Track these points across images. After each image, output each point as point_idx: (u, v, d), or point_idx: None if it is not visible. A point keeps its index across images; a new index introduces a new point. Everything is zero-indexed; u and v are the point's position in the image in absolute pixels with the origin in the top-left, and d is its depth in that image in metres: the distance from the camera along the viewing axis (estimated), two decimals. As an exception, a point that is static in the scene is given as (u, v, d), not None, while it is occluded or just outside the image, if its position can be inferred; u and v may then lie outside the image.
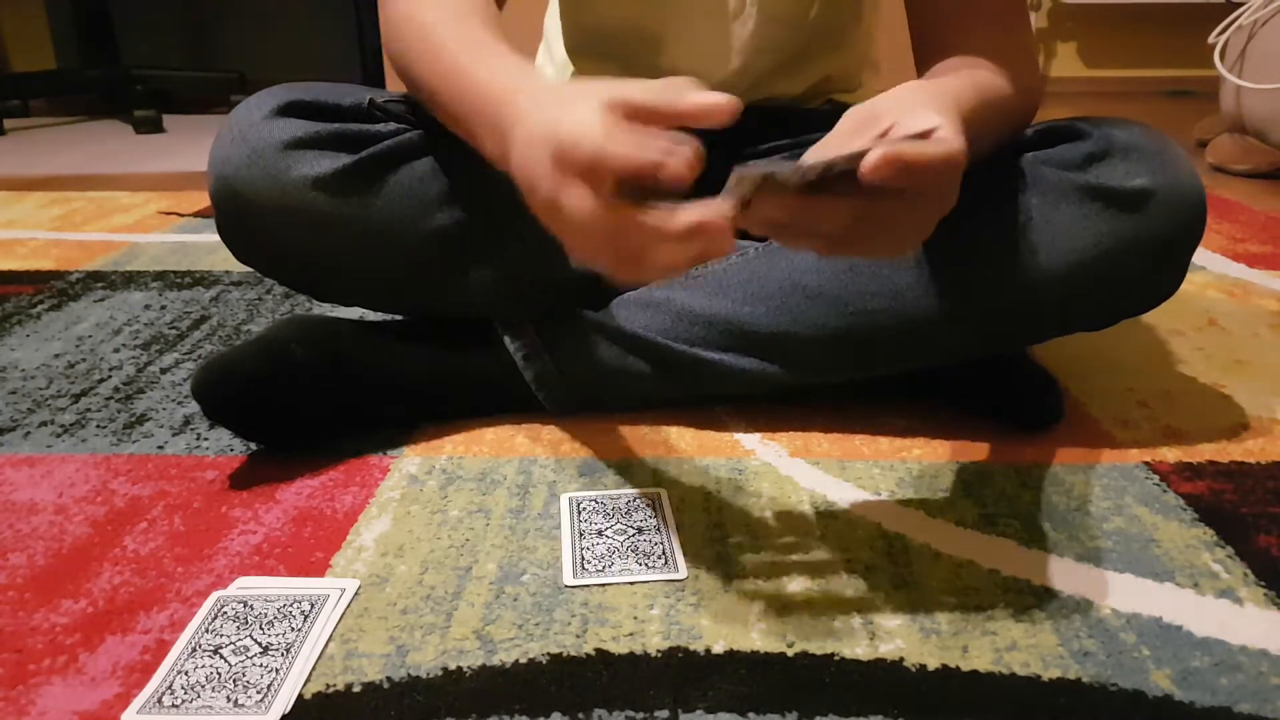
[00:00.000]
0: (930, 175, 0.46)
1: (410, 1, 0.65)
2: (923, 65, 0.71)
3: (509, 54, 0.58)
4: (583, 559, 0.56)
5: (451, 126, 0.62)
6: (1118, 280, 0.64)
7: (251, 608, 0.51)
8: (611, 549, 0.57)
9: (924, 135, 0.47)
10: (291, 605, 0.52)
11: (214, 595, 0.53)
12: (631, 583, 0.54)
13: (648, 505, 0.61)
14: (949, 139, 0.47)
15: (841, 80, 0.85)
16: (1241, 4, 1.68)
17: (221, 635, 0.49)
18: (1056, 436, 0.71)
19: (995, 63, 0.63)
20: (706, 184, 0.71)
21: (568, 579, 0.54)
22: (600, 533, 0.59)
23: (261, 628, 0.50)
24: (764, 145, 0.83)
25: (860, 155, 0.44)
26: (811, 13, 0.78)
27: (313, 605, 0.52)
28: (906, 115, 0.49)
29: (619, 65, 0.80)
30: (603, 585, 0.54)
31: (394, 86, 0.77)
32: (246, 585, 0.54)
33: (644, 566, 0.55)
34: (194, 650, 0.48)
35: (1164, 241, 0.63)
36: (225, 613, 0.51)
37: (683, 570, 0.55)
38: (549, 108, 0.49)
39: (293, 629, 0.50)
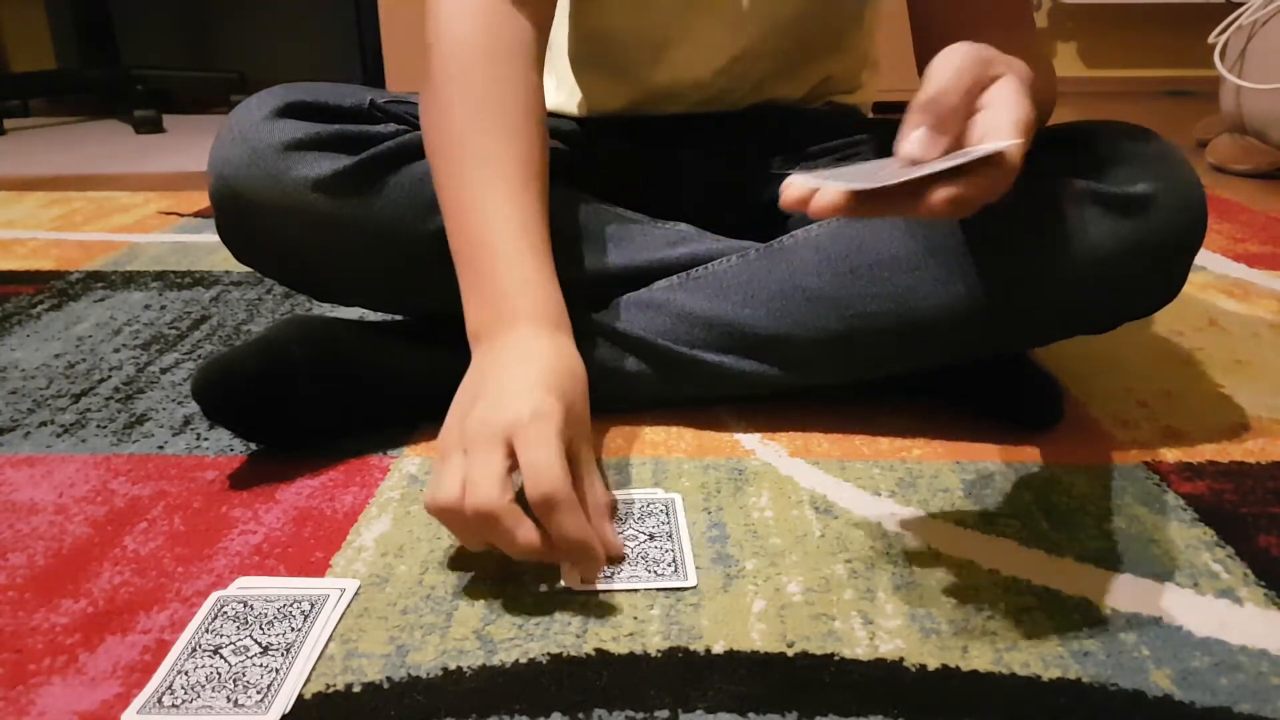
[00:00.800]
0: (989, 197, 0.47)
1: (440, 88, 0.63)
2: (922, 63, 0.71)
3: (528, 239, 0.60)
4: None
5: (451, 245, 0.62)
6: (1119, 284, 0.64)
7: (251, 608, 0.51)
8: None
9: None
10: (291, 605, 0.52)
11: (214, 595, 0.53)
12: (638, 590, 0.54)
13: (661, 510, 0.61)
14: (1014, 163, 0.46)
15: (842, 81, 0.85)
16: (1241, 4, 1.68)
17: (221, 635, 0.49)
18: (1056, 436, 0.71)
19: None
20: (705, 185, 0.71)
21: (573, 584, 0.54)
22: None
23: (261, 628, 0.50)
24: (763, 146, 0.83)
25: (942, 171, 0.45)
26: (812, 17, 0.78)
27: (313, 605, 0.52)
28: (1001, 105, 0.47)
29: (618, 75, 0.80)
30: (609, 591, 0.54)
31: (394, 87, 0.77)
32: (246, 585, 0.54)
33: (652, 574, 0.55)
34: (194, 650, 0.48)
35: (1165, 246, 0.63)
36: (225, 613, 0.51)
37: (692, 579, 0.54)
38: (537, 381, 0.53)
39: (293, 629, 0.50)
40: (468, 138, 0.61)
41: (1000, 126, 0.46)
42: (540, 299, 0.59)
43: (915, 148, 0.47)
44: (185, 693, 0.45)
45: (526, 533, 0.49)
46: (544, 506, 0.49)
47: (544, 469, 0.49)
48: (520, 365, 0.55)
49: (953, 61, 0.47)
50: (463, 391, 0.56)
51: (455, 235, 0.61)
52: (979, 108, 0.47)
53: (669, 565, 0.55)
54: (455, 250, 0.61)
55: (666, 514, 0.60)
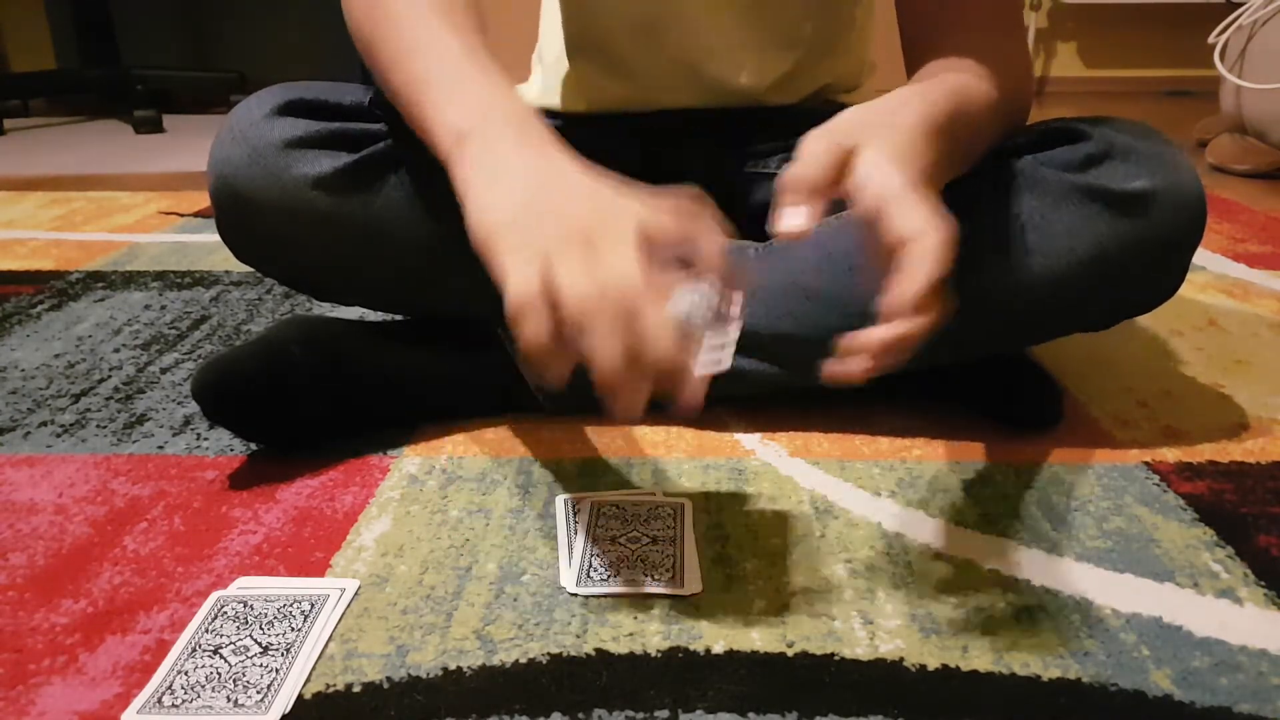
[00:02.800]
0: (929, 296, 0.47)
1: None
2: (913, 67, 0.71)
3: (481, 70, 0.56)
4: (591, 565, 0.55)
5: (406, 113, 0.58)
6: (1118, 281, 0.64)
7: (251, 608, 0.51)
8: (621, 557, 0.55)
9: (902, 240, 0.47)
10: (291, 605, 0.52)
11: (214, 595, 0.53)
12: (635, 594, 0.53)
13: (669, 514, 0.60)
14: (932, 241, 0.46)
15: (840, 83, 0.85)
16: (1241, 4, 1.68)
17: (221, 635, 0.49)
18: (1056, 436, 0.71)
19: (985, 64, 0.62)
20: (703, 184, 0.71)
21: (570, 585, 0.54)
22: (614, 539, 0.57)
23: (261, 628, 0.50)
24: (762, 145, 0.83)
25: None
26: (806, 29, 0.78)
27: (313, 605, 0.52)
28: (882, 182, 0.48)
29: (613, 66, 0.80)
30: (606, 595, 0.53)
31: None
32: (246, 585, 0.54)
33: (650, 579, 0.54)
34: (194, 650, 0.48)
35: (1164, 243, 0.63)
36: (225, 613, 0.51)
37: (692, 586, 0.53)
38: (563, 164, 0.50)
39: (293, 629, 0.50)
40: (404, 16, 0.59)
41: (903, 221, 0.47)
42: (518, 103, 0.54)
43: (794, 221, 0.48)
44: (185, 693, 0.45)
45: (664, 329, 0.44)
46: (634, 315, 0.44)
47: (633, 271, 0.44)
48: (556, 158, 0.51)
49: (813, 144, 0.50)
50: (504, 200, 0.50)
51: (400, 84, 0.58)
52: (850, 176, 0.50)
53: (667, 570, 0.55)
54: (404, 98, 0.57)
55: (674, 519, 0.60)
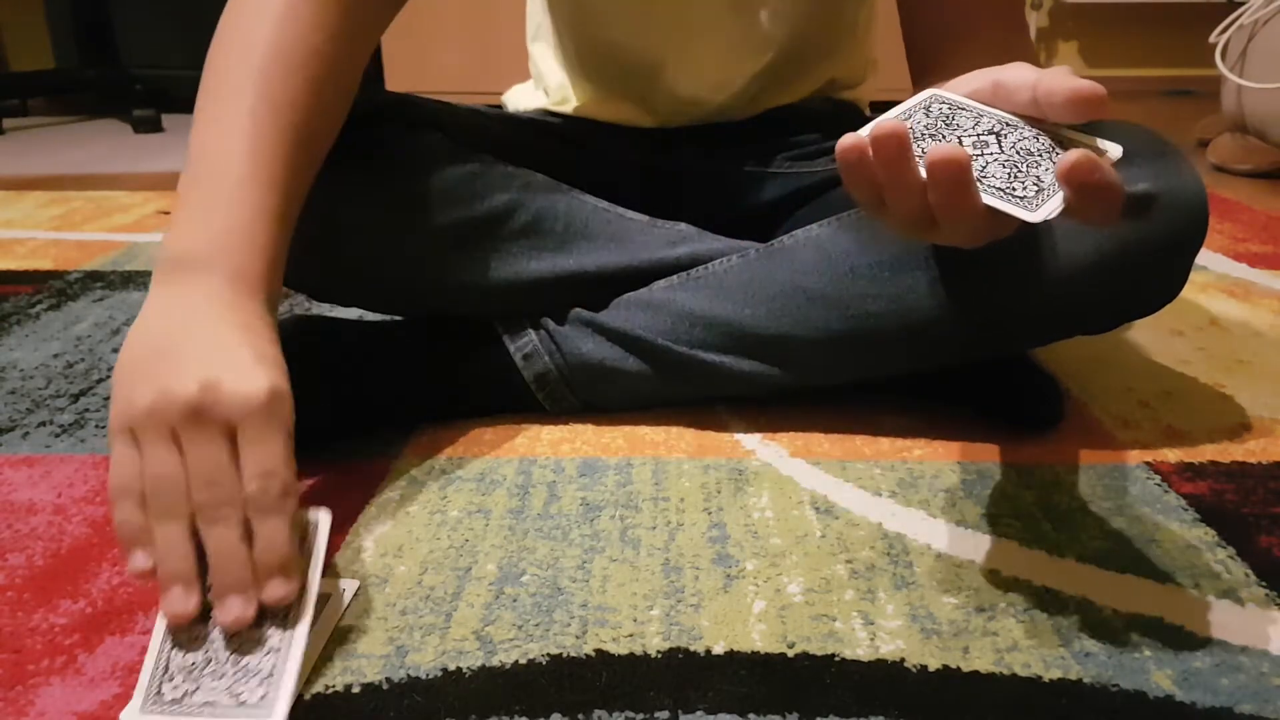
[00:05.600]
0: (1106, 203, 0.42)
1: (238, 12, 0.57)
2: (917, 69, 0.71)
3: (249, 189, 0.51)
4: (167, 670, 0.44)
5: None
6: (1119, 284, 0.64)
7: None
8: (209, 658, 0.45)
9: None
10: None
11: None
12: None
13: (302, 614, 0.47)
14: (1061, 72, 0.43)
15: (842, 81, 0.85)
16: (1242, 3, 1.68)
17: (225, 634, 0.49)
18: (1057, 436, 0.71)
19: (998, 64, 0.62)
20: (705, 185, 0.71)
21: (130, 712, 0.43)
22: (220, 648, 0.45)
23: (265, 626, 0.50)
24: (763, 145, 0.83)
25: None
26: (808, 35, 0.79)
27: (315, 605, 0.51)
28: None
29: (622, 94, 0.80)
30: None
31: (393, 87, 0.76)
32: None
33: (232, 699, 0.43)
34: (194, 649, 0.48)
35: (1166, 245, 0.63)
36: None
37: (276, 715, 0.43)
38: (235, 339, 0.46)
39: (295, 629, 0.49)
40: (230, 72, 0.55)
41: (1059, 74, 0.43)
42: (256, 249, 0.51)
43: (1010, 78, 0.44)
44: (188, 690, 0.45)
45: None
46: (277, 504, 0.44)
47: (282, 462, 0.44)
48: (237, 325, 0.47)
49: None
50: (143, 339, 0.46)
51: (188, 164, 0.53)
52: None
53: (261, 682, 0.44)
54: (183, 179, 0.53)
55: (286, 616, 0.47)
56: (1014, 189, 0.41)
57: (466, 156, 0.71)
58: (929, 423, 0.73)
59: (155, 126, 2.17)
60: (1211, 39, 1.70)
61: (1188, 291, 1.04)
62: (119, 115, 2.35)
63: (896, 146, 0.41)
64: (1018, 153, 0.43)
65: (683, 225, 0.76)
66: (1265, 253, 1.19)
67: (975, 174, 0.41)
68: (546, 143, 0.81)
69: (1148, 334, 0.91)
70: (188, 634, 0.46)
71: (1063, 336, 0.70)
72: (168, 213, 1.41)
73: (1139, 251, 0.63)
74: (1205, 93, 2.61)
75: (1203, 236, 0.64)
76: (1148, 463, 0.67)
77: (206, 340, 0.46)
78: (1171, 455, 0.68)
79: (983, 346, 0.68)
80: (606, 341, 0.72)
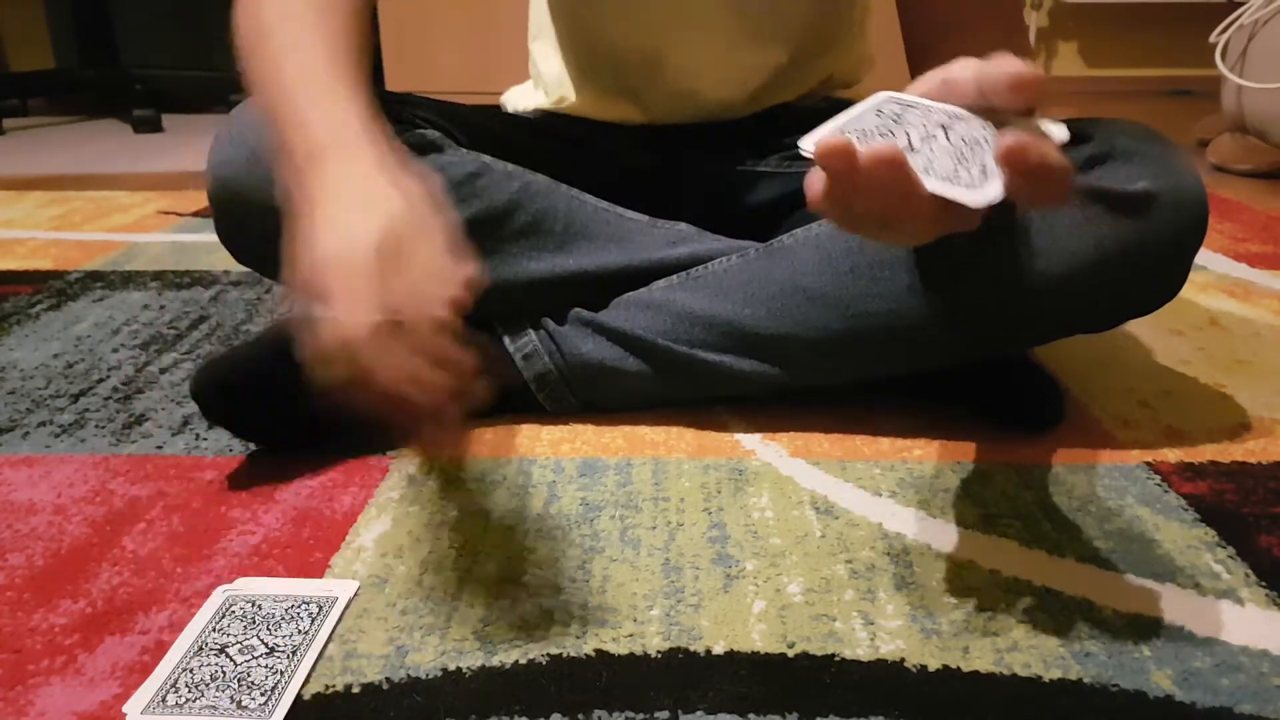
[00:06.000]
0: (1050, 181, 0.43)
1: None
2: (916, 68, 0.70)
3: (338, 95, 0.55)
4: (174, 684, 0.46)
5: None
6: (1119, 283, 0.64)
7: (259, 608, 0.51)
8: (215, 674, 0.46)
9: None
10: (299, 607, 0.51)
11: (221, 592, 0.52)
12: None
13: (308, 617, 0.51)
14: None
15: (839, 78, 0.85)
16: (1242, 3, 1.68)
17: (228, 634, 0.49)
18: (1057, 436, 0.71)
19: None
20: (705, 184, 0.71)
21: (133, 709, 0.45)
22: (223, 650, 0.48)
23: (269, 628, 0.50)
24: (762, 145, 0.83)
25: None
26: (805, 24, 0.79)
27: (320, 608, 0.52)
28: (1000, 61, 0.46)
29: (619, 93, 0.80)
30: None
31: (393, 86, 0.76)
32: (246, 586, 0.54)
33: (234, 705, 0.45)
34: (200, 649, 0.48)
35: (1166, 244, 0.63)
36: (233, 611, 0.51)
37: (277, 716, 0.44)
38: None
39: (299, 631, 0.50)
40: (275, 27, 0.58)
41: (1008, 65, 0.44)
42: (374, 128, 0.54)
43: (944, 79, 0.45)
44: (190, 691, 0.45)
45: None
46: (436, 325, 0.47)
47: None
48: (407, 188, 0.51)
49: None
50: (334, 208, 0.50)
51: (268, 94, 0.57)
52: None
53: (261, 694, 0.45)
54: (270, 108, 0.56)
55: (312, 621, 0.50)
56: (959, 176, 0.42)
57: (466, 156, 0.71)
58: (929, 423, 0.73)
59: (155, 126, 2.17)
60: (1211, 39, 1.70)
61: (1188, 291, 1.04)
62: (119, 115, 2.35)
63: (840, 157, 0.42)
64: (964, 142, 0.44)
65: (683, 225, 0.76)
66: (1265, 253, 1.19)
67: (922, 165, 0.42)
68: (546, 143, 0.81)
69: (1148, 334, 0.91)
70: (201, 660, 0.47)
71: (1063, 335, 0.70)
72: (168, 213, 1.41)
73: (1139, 250, 0.63)
74: (1205, 93, 2.61)
75: (1203, 235, 0.64)
76: (1148, 463, 0.67)
77: (415, 225, 0.50)
78: (1171, 455, 0.68)
79: (983, 345, 0.68)
80: (606, 341, 0.72)
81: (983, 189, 0.41)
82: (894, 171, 0.41)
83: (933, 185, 0.42)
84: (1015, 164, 0.41)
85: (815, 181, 0.44)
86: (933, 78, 0.47)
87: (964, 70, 0.46)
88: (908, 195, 0.42)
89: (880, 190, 0.42)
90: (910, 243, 0.47)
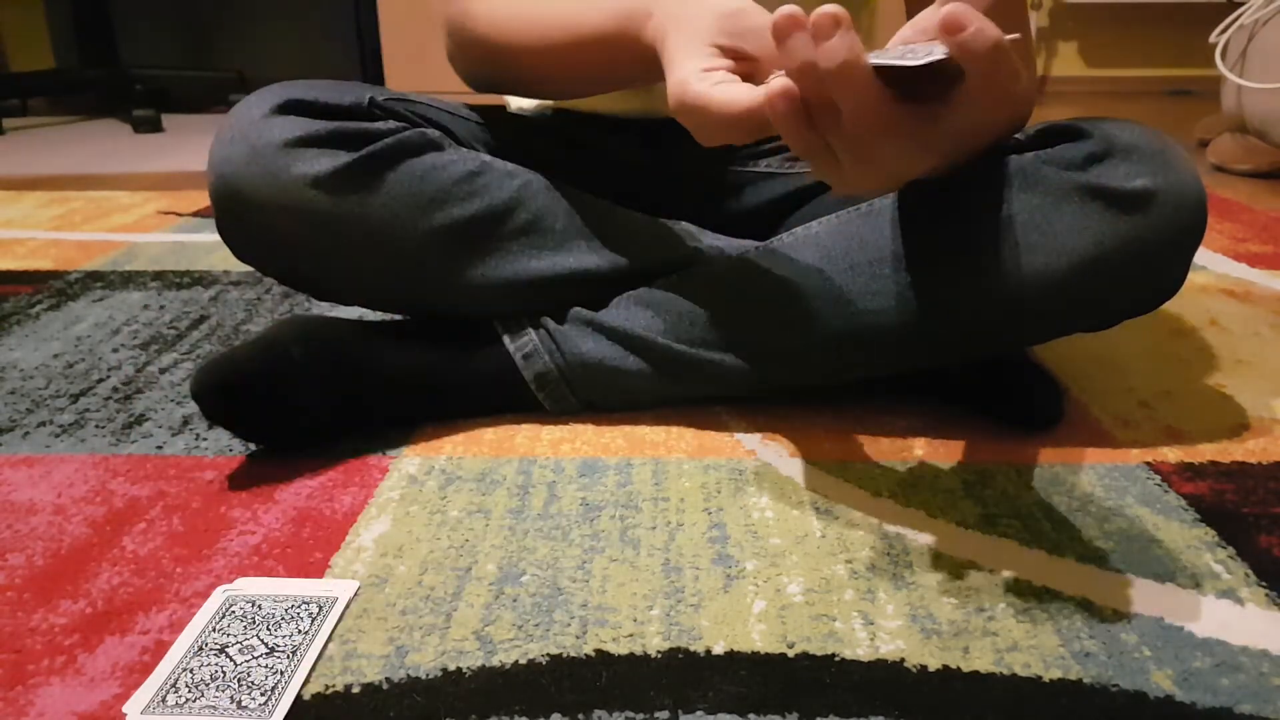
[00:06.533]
0: (989, 52, 0.44)
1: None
2: None
3: None
4: (174, 684, 0.46)
5: (584, 75, 0.66)
6: (1118, 281, 0.64)
7: (260, 607, 0.51)
8: (215, 674, 0.46)
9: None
10: (300, 607, 0.51)
11: (222, 592, 0.52)
12: None
13: (308, 617, 0.51)
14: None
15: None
16: (1243, 3, 1.68)
17: (228, 634, 0.49)
18: (1057, 436, 0.71)
19: None
20: (705, 183, 0.70)
21: (133, 709, 0.45)
22: (223, 649, 0.48)
23: (269, 628, 0.50)
24: (763, 144, 0.83)
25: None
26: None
27: (321, 608, 0.52)
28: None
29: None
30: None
31: (394, 86, 0.76)
32: (245, 587, 0.54)
33: (234, 705, 0.45)
34: (200, 649, 0.48)
35: (1165, 242, 0.63)
36: (233, 611, 0.51)
37: (277, 716, 0.44)
38: None
39: (300, 631, 0.50)
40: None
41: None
42: None
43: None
44: (190, 691, 0.45)
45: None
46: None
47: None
48: None
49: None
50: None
51: (542, 40, 0.65)
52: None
53: (261, 694, 0.45)
54: (553, 41, 0.65)
55: (312, 621, 0.51)
56: (904, 57, 0.45)
57: (466, 156, 0.71)
58: (929, 423, 0.73)
59: (155, 126, 2.17)
60: (1211, 39, 1.70)
61: (1187, 291, 1.04)
62: (119, 115, 2.35)
63: (788, 24, 0.45)
64: (915, 45, 0.47)
65: (683, 224, 0.76)
66: (1265, 253, 1.19)
67: (874, 59, 0.45)
68: (547, 141, 0.81)
69: (1148, 334, 0.91)
70: (201, 660, 0.47)
71: (1062, 333, 0.70)
72: (168, 213, 1.41)
73: (1138, 248, 0.63)
74: (1205, 93, 2.61)
75: (1202, 233, 0.64)
76: (1148, 463, 0.67)
77: None
78: (1171, 455, 0.68)
79: (982, 343, 0.68)
80: (607, 340, 0.72)
81: (923, 60, 0.44)
82: (838, 26, 0.44)
83: (874, 59, 0.45)
84: (952, 28, 0.43)
85: (777, 99, 0.47)
86: (904, 28, 0.50)
87: (930, 17, 0.48)
88: (852, 68, 0.44)
89: (822, 55, 0.45)
90: (884, 168, 0.49)
